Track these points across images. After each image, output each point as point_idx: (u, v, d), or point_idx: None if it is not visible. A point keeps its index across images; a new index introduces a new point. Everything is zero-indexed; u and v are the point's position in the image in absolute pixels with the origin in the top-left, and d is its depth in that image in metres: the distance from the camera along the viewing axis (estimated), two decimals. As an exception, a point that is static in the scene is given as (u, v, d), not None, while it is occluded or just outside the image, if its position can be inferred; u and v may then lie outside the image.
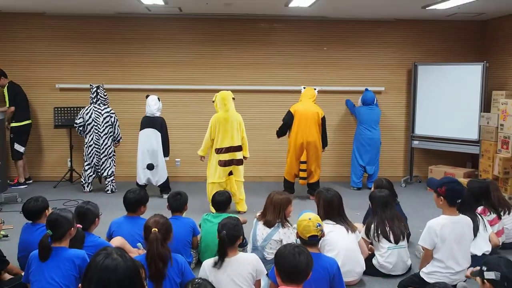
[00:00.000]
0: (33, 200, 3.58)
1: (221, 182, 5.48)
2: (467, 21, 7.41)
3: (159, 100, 6.26)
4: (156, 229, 2.83)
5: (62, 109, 6.86)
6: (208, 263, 2.97)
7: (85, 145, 6.45)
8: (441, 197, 3.44)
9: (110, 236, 3.73)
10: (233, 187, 5.55)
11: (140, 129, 6.16)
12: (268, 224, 3.73)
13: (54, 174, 7.13)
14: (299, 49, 7.34)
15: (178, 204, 3.95)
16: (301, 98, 6.27)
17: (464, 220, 3.50)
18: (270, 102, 7.35)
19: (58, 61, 7.15)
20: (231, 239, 2.95)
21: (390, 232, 3.72)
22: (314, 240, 3.00)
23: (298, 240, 3.21)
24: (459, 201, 3.45)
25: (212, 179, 5.50)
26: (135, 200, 3.80)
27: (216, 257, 2.96)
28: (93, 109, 6.38)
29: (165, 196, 5.99)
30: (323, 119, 6.17)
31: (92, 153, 6.41)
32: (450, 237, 3.38)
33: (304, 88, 6.36)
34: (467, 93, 6.67)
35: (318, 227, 2.99)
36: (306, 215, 3.07)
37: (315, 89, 6.34)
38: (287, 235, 3.70)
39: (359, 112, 6.88)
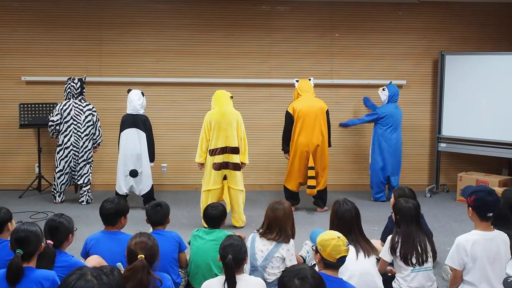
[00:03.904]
0: None
1: (216, 189, 5.50)
2: (503, 3, 7.42)
3: (143, 95, 6.28)
4: (143, 256, 2.85)
5: (29, 105, 6.87)
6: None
7: (59, 148, 6.43)
8: (471, 208, 3.48)
9: (86, 255, 3.73)
10: (227, 196, 5.56)
11: (122, 129, 6.18)
12: (269, 239, 3.75)
13: (20, 182, 7.13)
14: (306, 36, 7.36)
15: (158, 216, 3.96)
16: (299, 93, 6.23)
17: (500, 237, 3.51)
18: (272, 98, 7.37)
19: (25, 50, 7.16)
20: (238, 263, 3.05)
21: (416, 251, 3.72)
22: (342, 261, 3.00)
23: (314, 264, 3.20)
24: (491, 214, 3.46)
25: (206, 186, 5.52)
26: (115, 210, 3.80)
27: (220, 278, 3.05)
28: (73, 105, 6.38)
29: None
30: (327, 113, 6.17)
31: (69, 157, 6.40)
32: (483, 256, 3.39)
33: (297, 81, 6.33)
34: (503, 87, 6.67)
35: (348, 246, 3.00)
36: (330, 233, 3.05)
37: (309, 79, 6.32)
38: (290, 252, 3.73)
39: (385, 111, 6.74)
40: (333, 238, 2.96)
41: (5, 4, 7.11)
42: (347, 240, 3.02)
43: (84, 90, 6.47)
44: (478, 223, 3.49)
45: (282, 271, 2.61)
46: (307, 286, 2.35)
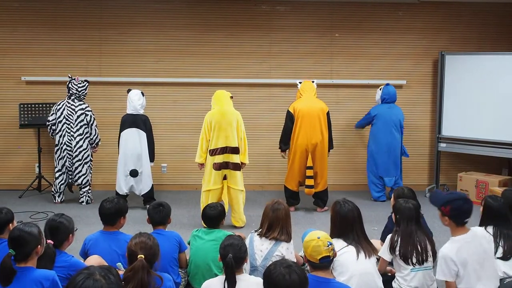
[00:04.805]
0: None
1: (217, 189, 5.50)
2: (503, 3, 7.43)
3: (142, 95, 6.29)
4: (143, 256, 2.85)
5: (29, 105, 6.87)
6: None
7: (56, 148, 6.45)
8: (447, 217, 3.48)
9: (84, 255, 3.73)
10: (228, 196, 5.56)
11: (122, 129, 6.18)
12: (270, 238, 3.75)
13: (20, 182, 7.13)
14: (306, 36, 7.37)
15: (160, 216, 3.96)
16: (300, 93, 6.26)
17: (478, 233, 3.52)
18: (272, 98, 7.38)
19: (25, 49, 7.17)
20: (238, 262, 3.05)
21: (416, 250, 3.72)
22: (326, 262, 2.99)
23: (306, 265, 3.20)
24: (468, 219, 3.46)
25: (207, 186, 5.52)
26: (114, 210, 3.79)
27: (220, 278, 3.04)
28: (66, 105, 6.38)
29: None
30: (328, 114, 6.18)
31: (64, 156, 6.41)
32: (472, 259, 3.38)
33: (301, 82, 6.36)
34: (503, 87, 6.67)
35: (330, 246, 2.98)
36: (313, 234, 3.06)
37: (312, 81, 6.35)
38: (289, 251, 3.74)
39: (376, 111, 6.78)
40: (312, 239, 2.97)
41: (5, 4, 7.11)
42: (329, 240, 3.01)
43: (73, 91, 6.36)
44: (455, 229, 3.49)
45: (267, 267, 2.62)
46: (294, 275, 2.48)
